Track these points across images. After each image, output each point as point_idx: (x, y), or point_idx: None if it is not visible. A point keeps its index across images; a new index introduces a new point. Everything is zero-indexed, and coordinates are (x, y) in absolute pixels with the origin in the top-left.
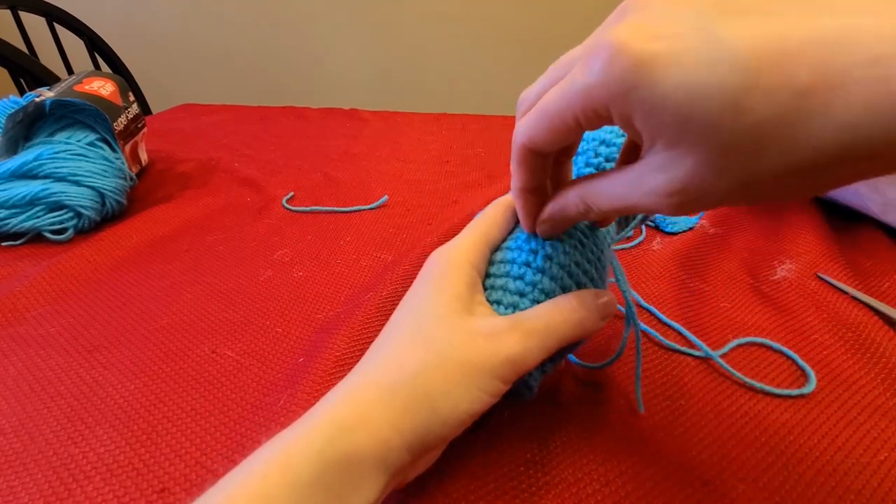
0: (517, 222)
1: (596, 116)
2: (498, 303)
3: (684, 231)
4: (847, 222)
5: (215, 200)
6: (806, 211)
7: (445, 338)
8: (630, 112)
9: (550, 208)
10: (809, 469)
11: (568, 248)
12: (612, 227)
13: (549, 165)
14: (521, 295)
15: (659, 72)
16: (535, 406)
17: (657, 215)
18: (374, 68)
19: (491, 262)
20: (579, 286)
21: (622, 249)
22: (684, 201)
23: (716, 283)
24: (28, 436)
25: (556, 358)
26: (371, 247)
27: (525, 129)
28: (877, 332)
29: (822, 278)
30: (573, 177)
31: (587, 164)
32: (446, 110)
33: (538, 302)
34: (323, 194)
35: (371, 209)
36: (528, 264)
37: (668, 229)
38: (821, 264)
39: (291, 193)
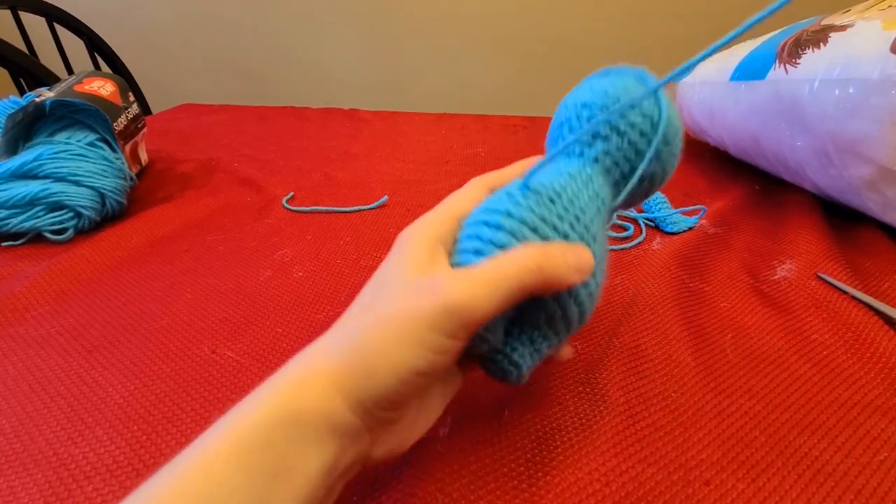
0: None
1: None
2: (456, 265)
3: (684, 231)
4: (847, 222)
5: (215, 200)
6: (806, 211)
7: (389, 296)
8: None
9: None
10: (809, 469)
11: (533, 204)
12: (605, 190)
13: None
14: (477, 252)
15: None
16: (535, 406)
17: (658, 215)
18: (374, 68)
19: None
20: (535, 232)
21: (622, 249)
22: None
23: (716, 283)
24: (28, 436)
25: (547, 333)
26: (371, 247)
27: None
28: (877, 332)
29: (822, 278)
30: (552, 145)
31: (571, 130)
32: (446, 110)
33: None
34: (323, 194)
35: (371, 209)
36: (486, 223)
37: (668, 229)
38: (821, 264)
39: (291, 193)
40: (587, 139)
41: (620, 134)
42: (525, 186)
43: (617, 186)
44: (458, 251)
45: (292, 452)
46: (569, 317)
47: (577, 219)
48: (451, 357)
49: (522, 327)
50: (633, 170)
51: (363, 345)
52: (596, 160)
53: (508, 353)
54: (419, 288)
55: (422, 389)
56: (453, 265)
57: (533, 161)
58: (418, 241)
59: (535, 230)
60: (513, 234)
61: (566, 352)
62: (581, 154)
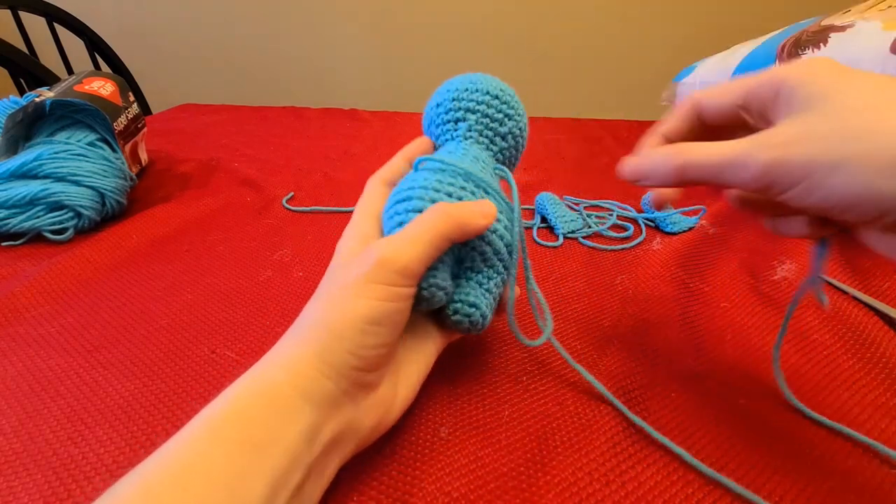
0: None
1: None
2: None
3: (684, 231)
4: None
5: (215, 200)
6: None
7: (332, 279)
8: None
9: (646, 151)
10: (809, 469)
11: (429, 176)
12: (483, 153)
13: (689, 134)
14: (400, 224)
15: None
16: (535, 406)
17: (657, 215)
18: (374, 68)
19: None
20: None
21: (623, 249)
22: (779, 142)
23: (716, 283)
24: (28, 436)
25: (488, 272)
26: None
27: (703, 93)
28: (877, 332)
29: (822, 278)
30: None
31: (443, 125)
32: None
33: None
34: (323, 194)
35: None
36: (398, 201)
37: (668, 229)
38: None
39: (291, 193)
40: (452, 125)
41: (474, 111)
42: (416, 167)
43: (490, 149)
44: (385, 232)
45: (267, 424)
46: (497, 249)
47: (466, 179)
48: (401, 304)
49: (467, 274)
50: (496, 133)
51: (320, 313)
52: (465, 137)
53: (464, 297)
54: (357, 260)
55: (387, 343)
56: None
57: (414, 143)
58: (348, 240)
59: (437, 192)
60: (422, 199)
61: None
62: (453, 138)
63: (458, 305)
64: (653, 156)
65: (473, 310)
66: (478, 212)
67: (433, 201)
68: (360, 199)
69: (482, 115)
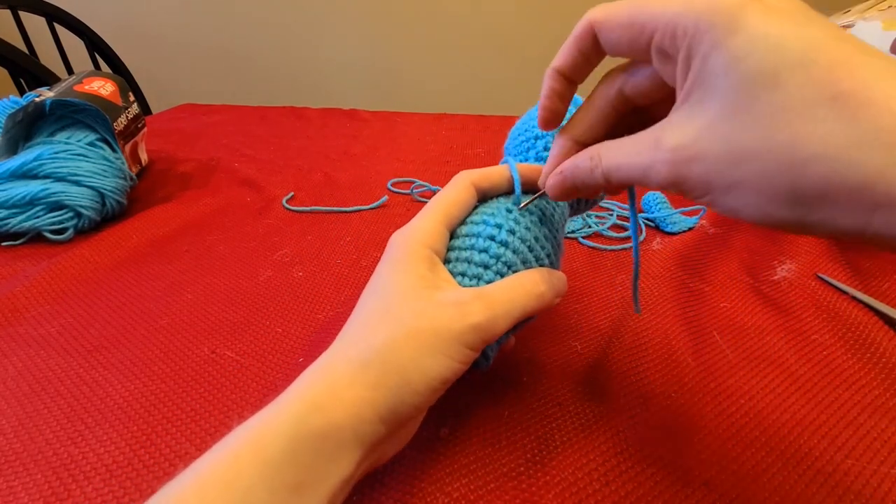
0: (479, 198)
1: (665, 41)
2: (462, 274)
3: (684, 231)
4: None
5: (215, 200)
6: None
7: (412, 310)
8: (699, 47)
9: (563, 164)
10: (809, 469)
11: (530, 224)
12: (566, 209)
13: (590, 67)
14: (486, 267)
15: (756, 17)
16: (535, 406)
17: (658, 215)
18: (374, 68)
19: (455, 236)
20: (538, 260)
21: (623, 249)
22: (678, 158)
23: (716, 283)
24: (28, 436)
25: (511, 330)
26: (371, 247)
27: (602, 11)
28: (877, 332)
29: (822, 278)
30: (520, 159)
31: (546, 148)
32: (446, 110)
33: (501, 274)
34: (323, 194)
35: (371, 209)
36: (492, 238)
37: (668, 229)
38: (821, 264)
39: (291, 193)
40: (524, 151)
41: (541, 137)
42: (517, 204)
43: (571, 207)
44: (464, 260)
45: (317, 467)
46: (530, 318)
47: (556, 238)
48: (468, 365)
49: None
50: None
51: (396, 357)
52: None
53: (484, 349)
54: (444, 305)
55: (441, 394)
56: (456, 273)
57: (508, 168)
58: (415, 253)
59: (530, 249)
60: (515, 251)
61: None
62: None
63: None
64: (574, 172)
65: (484, 360)
66: (558, 293)
67: (524, 263)
68: (440, 196)
69: None
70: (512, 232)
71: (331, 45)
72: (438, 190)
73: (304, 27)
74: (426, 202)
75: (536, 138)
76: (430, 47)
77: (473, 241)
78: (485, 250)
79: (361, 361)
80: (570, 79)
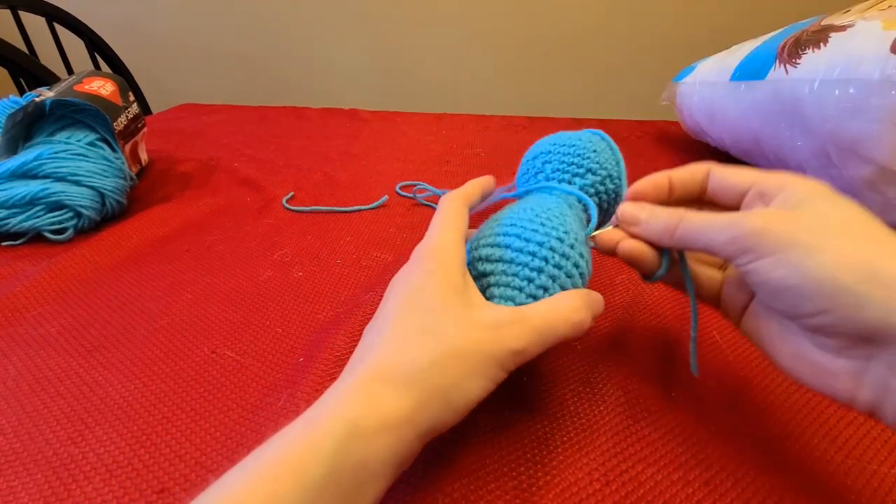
0: (492, 211)
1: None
2: (501, 297)
3: None
4: None
5: (215, 200)
6: None
7: (453, 330)
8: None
9: (645, 204)
10: (810, 469)
11: (566, 246)
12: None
13: (687, 189)
14: (520, 290)
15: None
16: (535, 406)
17: None
18: (374, 68)
19: (478, 256)
20: (570, 278)
21: None
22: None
23: None
24: (28, 436)
25: None
26: (371, 247)
27: (721, 168)
28: None
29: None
30: (527, 180)
31: (555, 171)
32: (446, 110)
33: (534, 296)
34: (323, 194)
35: (371, 209)
36: (532, 254)
37: None
38: None
39: (291, 193)
40: (569, 177)
41: (595, 172)
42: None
43: (586, 211)
44: (499, 284)
45: (357, 491)
46: None
47: (587, 257)
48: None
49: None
50: (599, 200)
51: (440, 378)
52: (581, 188)
53: None
54: (485, 327)
55: None
56: (492, 295)
57: (486, 180)
58: (451, 264)
59: (570, 277)
60: (551, 276)
61: None
62: (569, 182)
63: None
64: (654, 219)
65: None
66: (593, 316)
67: (560, 285)
68: (442, 211)
69: (602, 178)
70: (546, 259)
71: (331, 45)
72: (445, 193)
73: (304, 27)
74: (429, 206)
75: (545, 162)
76: (430, 47)
77: (515, 255)
78: (526, 264)
79: (405, 381)
80: (671, 187)
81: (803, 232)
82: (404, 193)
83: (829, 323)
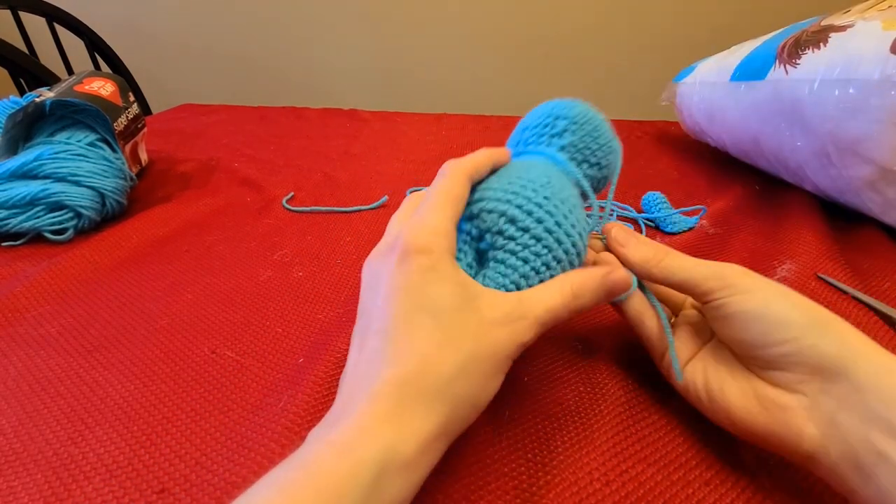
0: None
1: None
2: (505, 278)
3: (684, 231)
4: (847, 222)
5: (215, 200)
6: (806, 211)
7: (469, 333)
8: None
9: (632, 232)
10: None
11: (576, 234)
12: (595, 219)
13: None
14: (526, 277)
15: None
16: (535, 406)
17: (658, 216)
18: (374, 68)
19: (485, 224)
20: (571, 264)
21: None
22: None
23: None
24: (28, 436)
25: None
26: (371, 247)
27: (674, 258)
28: (877, 332)
29: (822, 278)
30: (519, 143)
31: (540, 136)
32: (446, 110)
33: (539, 281)
34: (323, 194)
35: (371, 209)
36: (538, 255)
37: (668, 229)
38: (821, 264)
39: (291, 193)
40: (553, 137)
41: (580, 130)
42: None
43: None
44: (513, 253)
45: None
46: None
47: (576, 224)
48: None
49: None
50: (586, 160)
51: (467, 387)
52: (562, 149)
53: None
54: (496, 324)
55: None
56: (501, 270)
57: (499, 154)
58: (446, 255)
59: (571, 264)
60: (558, 259)
61: None
62: (549, 144)
63: None
64: (640, 241)
65: None
66: (607, 295)
67: (556, 259)
68: (441, 184)
69: (586, 135)
70: (567, 235)
71: (331, 45)
72: None
73: (304, 27)
74: None
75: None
76: (430, 47)
77: (525, 240)
78: (538, 256)
79: (435, 395)
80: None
81: (769, 285)
82: None
83: (793, 351)
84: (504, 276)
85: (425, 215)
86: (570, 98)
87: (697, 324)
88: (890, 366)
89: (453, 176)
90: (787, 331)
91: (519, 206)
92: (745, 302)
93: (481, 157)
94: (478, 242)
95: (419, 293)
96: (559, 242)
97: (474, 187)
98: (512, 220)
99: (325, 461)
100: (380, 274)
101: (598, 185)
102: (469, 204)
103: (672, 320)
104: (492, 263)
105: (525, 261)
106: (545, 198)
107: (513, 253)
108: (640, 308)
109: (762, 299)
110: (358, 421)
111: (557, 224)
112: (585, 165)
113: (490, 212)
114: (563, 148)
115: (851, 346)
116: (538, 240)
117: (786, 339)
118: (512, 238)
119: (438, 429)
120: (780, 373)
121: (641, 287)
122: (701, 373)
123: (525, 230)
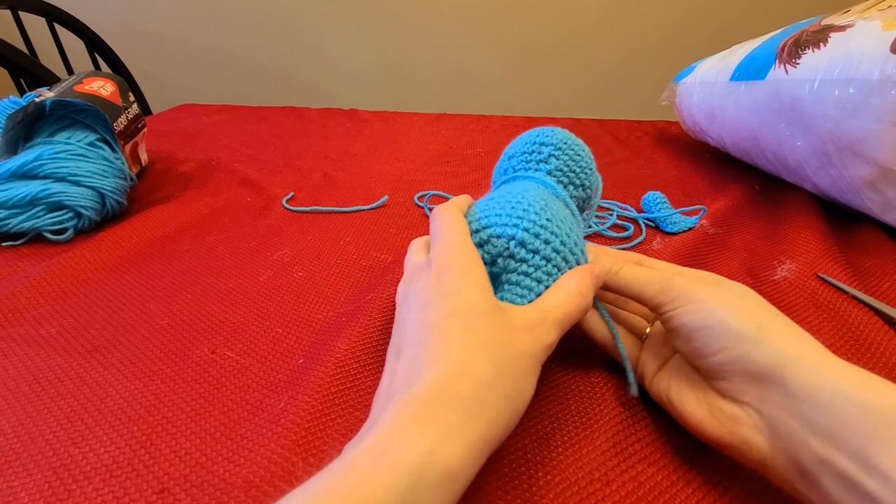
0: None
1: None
2: (516, 295)
3: (684, 231)
4: (847, 222)
5: (215, 200)
6: (806, 211)
7: (501, 338)
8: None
9: (611, 254)
10: None
11: (572, 241)
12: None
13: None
14: (531, 290)
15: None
16: (535, 406)
17: (658, 215)
18: (374, 68)
19: (490, 250)
20: (567, 264)
21: (623, 249)
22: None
23: None
24: (28, 436)
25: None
26: (371, 247)
27: (633, 271)
28: (877, 332)
29: (822, 278)
30: (507, 170)
31: (527, 162)
32: (446, 110)
33: (546, 287)
34: (323, 194)
35: (371, 209)
36: (538, 267)
37: (668, 229)
38: (821, 264)
39: (291, 193)
40: (540, 163)
41: (563, 156)
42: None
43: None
44: (518, 271)
45: None
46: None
47: (578, 242)
48: None
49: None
50: (571, 182)
51: (505, 391)
52: (549, 173)
53: None
54: (523, 330)
55: None
56: (512, 289)
57: (467, 197)
58: (476, 265)
59: (567, 263)
60: (559, 267)
61: None
62: (536, 170)
63: None
64: (603, 255)
65: None
66: (598, 286)
67: (560, 262)
68: (442, 220)
69: (571, 161)
70: (564, 244)
71: (331, 45)
72: (450, 198)
73: (304, 27)
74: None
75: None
76: (430, 47)
77: (524, 255)
78: (538, 268)
79: (475, 400)
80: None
81: (715, 294)
82: (421, 204)
83: (727, 360)
84: (521, 297)
85: (448, 237)
86: (550, 126)
87: (666, 335)
88: (822, 372)
89: (448, 211)
90: (722, 340)
91: (526, 230)
92: (689, 314)
93: (461, 198)
94: (491, 267)
95: (455, 298)
96: (566, 261)
97: (471, 219)
98: (522, 244)
99: (359, 467)
100: (414, 291)
101: (582, 205)
102: (475, 232)
103: (648, 330)
104: (507, 286)
105: (539, 281)
106: (548, 219)
107: (527, 275)
108: (597, 321)
109: (706, 310)
110: (392, 424)
111: (563, 243)
112: (571, 187)
113: (499, 237)
114: (549, 172)
115: (786, 353)
116: (548, 260)
117: (721, 348)
118: (524, 260)
119: (480, 434)
120: (722, 382)
121: (595, 303)
122: (665, 382)
123: (535, 252)
